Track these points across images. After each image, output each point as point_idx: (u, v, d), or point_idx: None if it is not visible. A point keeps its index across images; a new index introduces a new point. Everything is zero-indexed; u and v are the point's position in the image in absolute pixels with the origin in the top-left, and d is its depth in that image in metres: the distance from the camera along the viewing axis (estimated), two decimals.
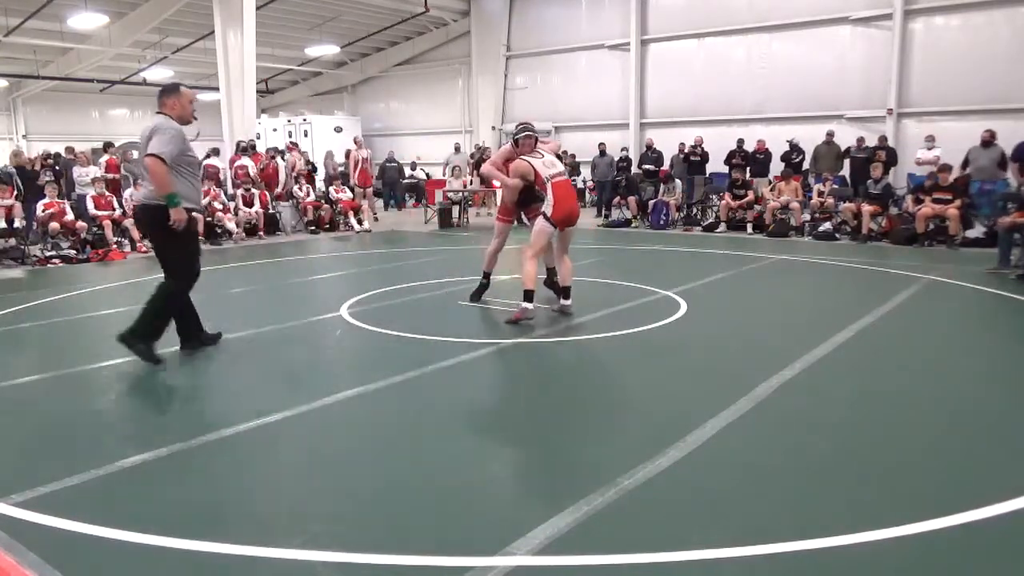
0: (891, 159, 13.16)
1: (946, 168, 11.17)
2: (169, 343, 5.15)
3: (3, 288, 8.55)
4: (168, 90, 5.07)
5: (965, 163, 11.73)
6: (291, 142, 18.67)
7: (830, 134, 14.29)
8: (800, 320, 6.35)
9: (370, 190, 16.63)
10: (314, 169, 16.36)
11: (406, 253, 11.14)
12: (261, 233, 13.24)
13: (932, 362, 5.04)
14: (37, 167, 13.15)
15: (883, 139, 13.72)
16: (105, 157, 13.46)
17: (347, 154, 17.30)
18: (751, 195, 13.29)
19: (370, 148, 24.06)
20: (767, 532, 2.67)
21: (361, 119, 24.55)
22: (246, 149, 14.40)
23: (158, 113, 4.96)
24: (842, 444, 3.54)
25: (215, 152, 14.58)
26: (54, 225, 10.65)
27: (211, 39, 16.76)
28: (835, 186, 12.90)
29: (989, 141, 11.37)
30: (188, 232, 4.90)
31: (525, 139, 6.18)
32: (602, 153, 16.48)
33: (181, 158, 4.85)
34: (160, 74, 22.64)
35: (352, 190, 15.12)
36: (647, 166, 15.47)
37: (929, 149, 13.10)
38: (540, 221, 6.09)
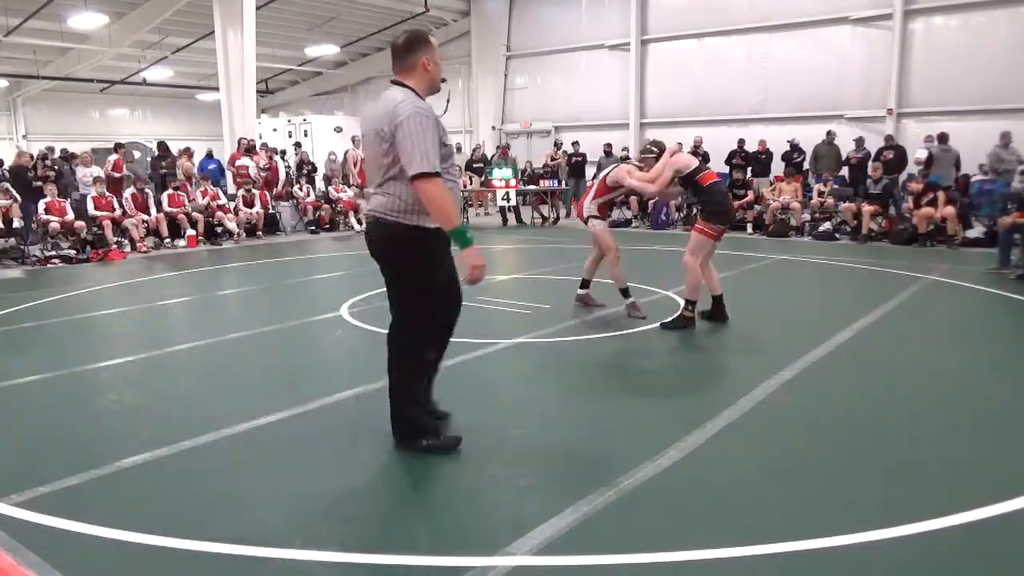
0: (900, 158, 13.10)
1: (910, 178, 11.58)
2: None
3: (3, 288, 8.55)
4: (413, 43, 3.23)
5: (929, 161, 12.19)
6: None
7: (830, 134, 14.27)
8: (800, 320, 6.34)
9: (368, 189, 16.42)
10: (313, 169, 16.35)
11: None
12: (259, 233, 13.25)
13: (932, 362, 5.04)
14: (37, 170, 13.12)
15: (889, 139, 13.65)
16: (114, 157, 13.42)
17: (346, 154, 17.24)
18: (751, 195, 13.30)
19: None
20: (767, 532, 2.67)
21: (361, 119, 24.49)
22: (248, 149, 14.39)
23: (395, 84, 3.26)
24: (842, 444, 3.54)
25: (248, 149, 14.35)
26: (54, 225, 10.66)
27: (211, 39, 16.72)
28: (835, 186, 12.90)
29: (942, 138, 12.63)
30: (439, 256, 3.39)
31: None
32: (607, 153, 16.35)
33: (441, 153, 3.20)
34: (160, 74, 22.62)
35: (361, 188, 15.02)
36: None
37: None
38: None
